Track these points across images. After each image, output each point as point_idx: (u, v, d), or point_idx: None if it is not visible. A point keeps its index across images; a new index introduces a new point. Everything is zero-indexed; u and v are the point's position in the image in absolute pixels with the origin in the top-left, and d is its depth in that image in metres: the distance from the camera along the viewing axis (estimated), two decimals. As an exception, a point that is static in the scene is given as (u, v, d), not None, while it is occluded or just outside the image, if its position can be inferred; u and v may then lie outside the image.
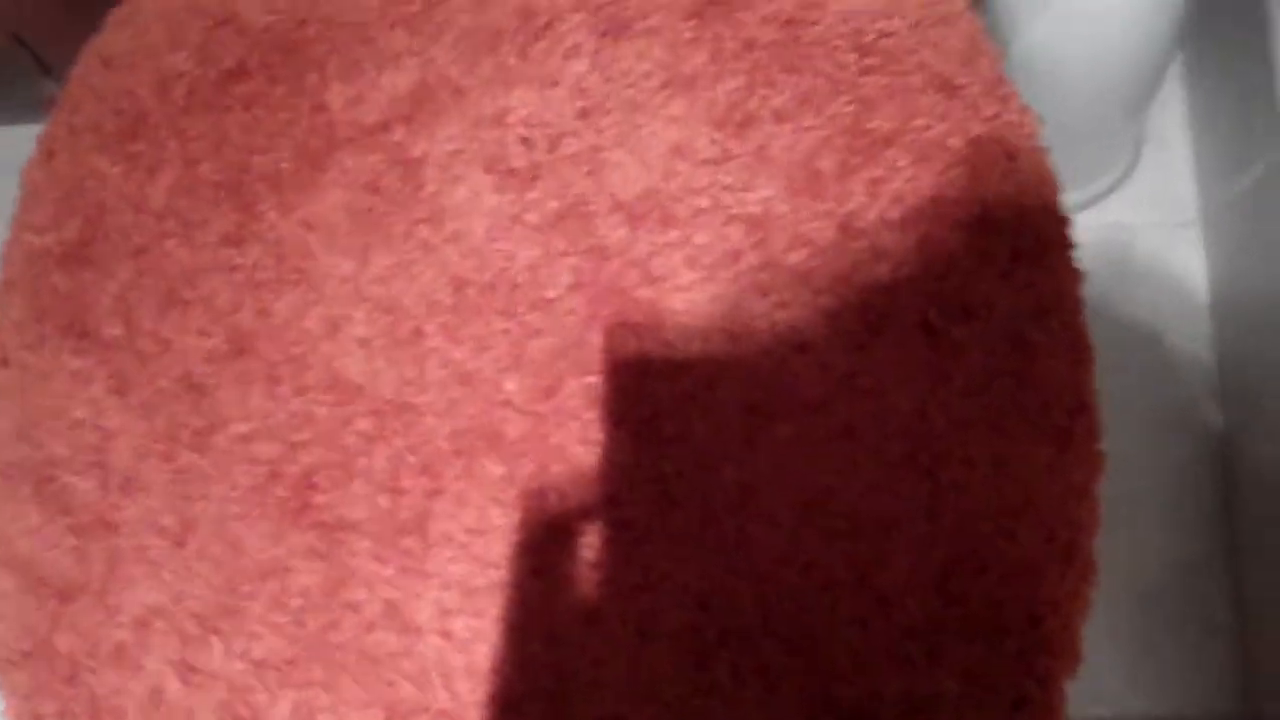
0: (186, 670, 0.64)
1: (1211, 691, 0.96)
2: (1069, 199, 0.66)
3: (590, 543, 0.63)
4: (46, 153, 0.73)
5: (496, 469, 0.64)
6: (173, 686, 0.64)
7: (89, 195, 0.71)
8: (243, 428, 0.67)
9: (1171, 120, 1.10)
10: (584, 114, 0.69)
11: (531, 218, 0.67)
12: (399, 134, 0.70)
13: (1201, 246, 1.07)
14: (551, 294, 0.66)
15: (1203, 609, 0.99)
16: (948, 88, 0.67)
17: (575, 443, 0.64)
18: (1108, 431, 0.63)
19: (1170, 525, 1.01)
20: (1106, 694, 0.97)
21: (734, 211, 0.66)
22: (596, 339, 0.65)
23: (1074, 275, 0.65)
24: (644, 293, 0.66)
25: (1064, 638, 0.60)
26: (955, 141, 0.66)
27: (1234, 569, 0.99)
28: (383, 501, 0.64)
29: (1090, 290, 0.65)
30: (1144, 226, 1.07)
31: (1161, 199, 1.08)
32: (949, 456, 0.62)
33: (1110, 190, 1.06)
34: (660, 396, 0.64)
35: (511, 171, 0.68)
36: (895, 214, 0.65)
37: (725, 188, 0.66)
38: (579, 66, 0.69)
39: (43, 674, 0.65)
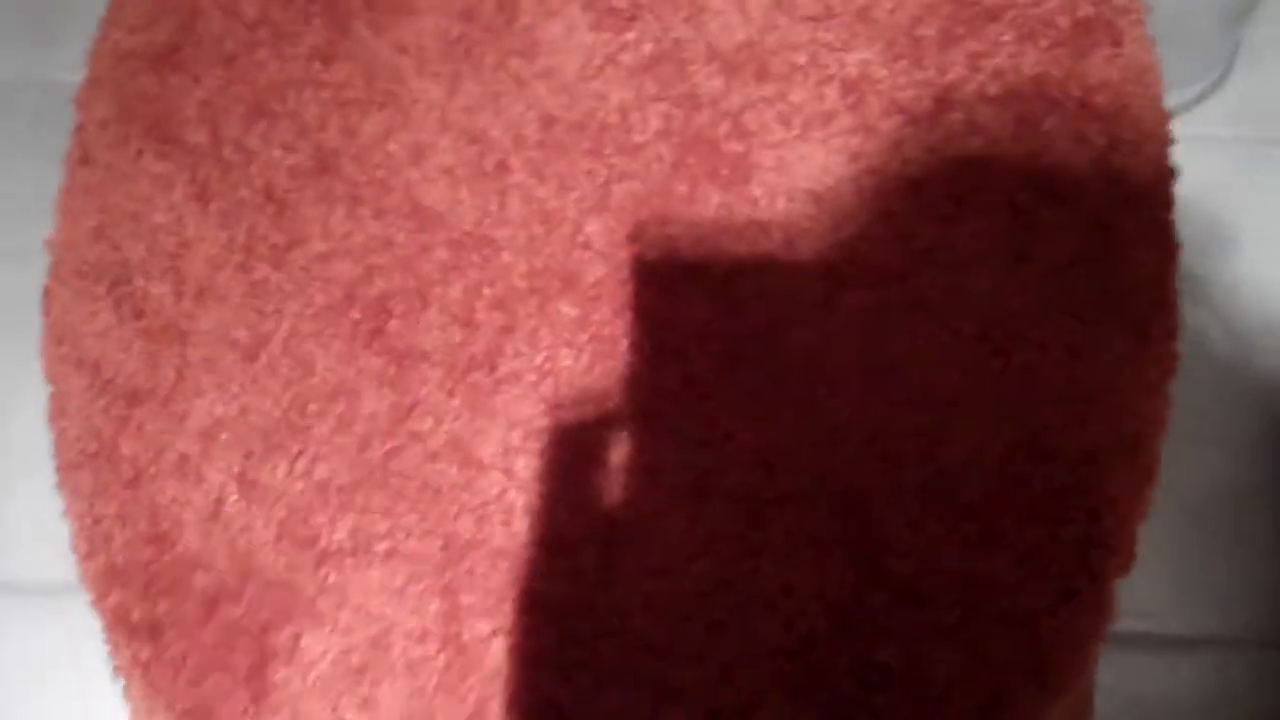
0: (248, 485, 0.64)
1: (1256, 614, 0.97)
2: (1161, 103, 0.65)
3: (656, 394, 0.63)
4: (140, -46, 0.72)
5: (570, 310, 0.64)
6: (233, 499, 0.64)
7: (182, -1, 0.71)
8: (321, 246, 0.66)
9: (1269, 33, 1.07)
10: (687, -42, 0.67)
11: (626, 59, 0.67)
12: (497, -36, 0.69)
13: (1288, 166, 1.05)
14: (640, 138, 0.66)
15: (1253, 532, 0.98)
16: (1059, -35, 0.65)
17: (650, 293, 0.64)
18: (1187, 338, 0.62)
19: (1228, 446, 1.00)
20: (1151, 609, 0.97)
21: (831, 71, 0.65)
22: (682, 189, 0.65)
23: (1168, 169, 0.64)
24: (733, 146, 0.65)
25: (1120, 535, 0.60)
26: (1062, 21, 0.65)
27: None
28: (455, 333, 0.64)
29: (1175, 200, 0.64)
30: (1231, 140, 1.05)
31: (1251, 113, 1.06)
32: (1023, 338, 0.61)
33: (1200, 99, 1.04)
34: (739, 255, 0.64)
35: (610, 10, 0.67)
36: (994, 89, 0.64)
37: (824, 45, 0.65)
38: (686, -91, 0.68)
39: (105, 476, 0.66)
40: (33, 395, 0.68)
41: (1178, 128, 0.65)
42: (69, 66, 0.73)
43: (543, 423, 0.63)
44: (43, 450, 0.67)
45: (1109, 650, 0.64)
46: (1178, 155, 0.65)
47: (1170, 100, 1.00)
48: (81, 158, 0.70)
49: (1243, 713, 0.97)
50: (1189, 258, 0.63)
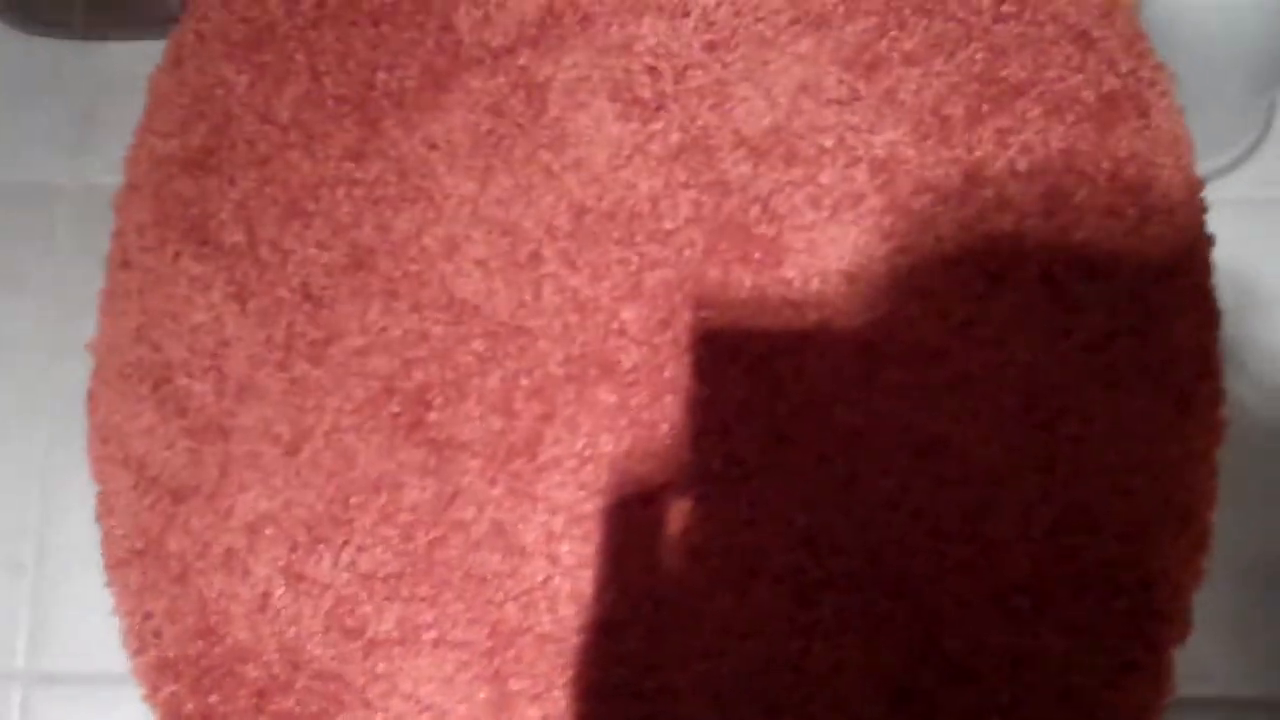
0: (294, 578, 0.65)
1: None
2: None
3: (700, 476, 0.63)
4: (174, 60, 0.73)
5: (609, 397, 0.64)
6: (280, 593, 0.65)
7: (215, 103, 0.72)
8: (359, 341, 0.67)
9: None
10: (711, 47, 0.68)
11: (654, 148, 0.67)
12: (524, 58, 0.69)
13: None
14: (670, 225, 0.66)
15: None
16: (1083, 39, 0.66)
17: (688, 376, 0.64)
18: (1229, 403, 0.62)
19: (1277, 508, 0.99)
20: (1212, 673, 0.95)
21: (859, 153, 0.65)
22: (714, 273, 0.65)
23: (1203, 238, 0.64)
24: (764, 229, 0.65)
25: (1174, 605, 0.60)
26: (1088, 95, 0.65)
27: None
28: (494, 422, 0.65)
29: (1216, 266, 0.64)
30: (1268, 203, 1.05)
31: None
32: (1066, 411, 0.61)
33: (1236, 164, 1.03)
34: (775, 334, 0.64)
35: (636, 100, 0.68)
36: (1023, 165, 0.64)
37: (851, 128, 0.66)
38: (709, -2, 0.69)
39: (153, 573, 0.66)
40: (81, 494, 0.69)
41: (1214, 192, 0.65)
42: (107, 169, 0.74)
43: (585, 508, 0.63)
44: (93, 547, 0.68)
45: (1176, 716, 0.64)
46: (1214, 221, 0.65)
47: (1205, 166, 1.00)
48: (122, 261, 0.71)
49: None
50: (1227, 323, 0.63)
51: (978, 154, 0.65)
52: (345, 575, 0.65)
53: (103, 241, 0.72)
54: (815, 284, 0.64)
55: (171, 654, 0.65)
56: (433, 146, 0.69)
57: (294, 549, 0.65)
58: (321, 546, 0.65)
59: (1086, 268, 0.63)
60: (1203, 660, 0.87)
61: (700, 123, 0.67)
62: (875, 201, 0.65)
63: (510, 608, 0.63)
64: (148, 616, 0.66)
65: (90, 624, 0.71)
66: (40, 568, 0.80)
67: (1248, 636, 0.91)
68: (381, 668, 0.63)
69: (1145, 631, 0.59)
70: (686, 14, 0.68)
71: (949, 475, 0.61)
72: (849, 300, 0.64)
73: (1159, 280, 0.62)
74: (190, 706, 0.64)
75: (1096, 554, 0.60)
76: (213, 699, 0.64)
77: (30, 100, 0.92)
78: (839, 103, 0.66)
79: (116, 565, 0.67)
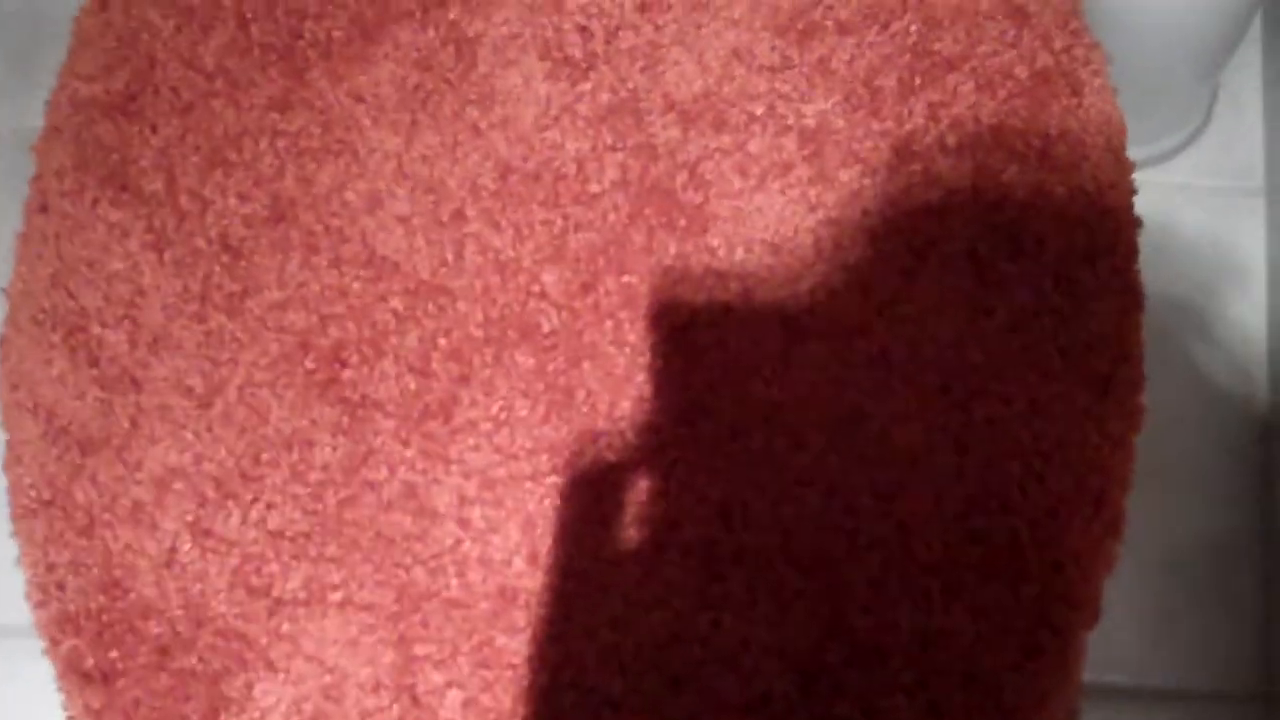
0: (202, 534, 0.64)
1: (1230, 669, 0.96)
2: (1134, 155, 0.65)
3: (613, 445, 0.62)
4: (100, 2, 0.72)
5: (527, 360, 0.63)
6: (186, 548, 0.64)
7: (140, 47, 0.70)
8: (276, 295, 0.66)
9: (1247, 84, 1.07)
10: (644, 8, 0.67)
11: (583, 109, 0.66)
12: (455, 12, 0.68)
13: (1265, 217, 1.05)
14: (596, 189, 0.65)
15: (1229, 587, 0.97)
16: (1018, 15, 0.65)
17: (608, 342, 0.63)
18: (1151, 395, 0.62)
19: (1205, 498, 0.99)
20: (1125, 662, 0.96)
21: (789, 122, 0.65)
22: (638, 238, 0.64)
23: (1131, 221, 0.63)
24: (690, 196, 0.65)
25: (1084, 590, 0.60)
26: (1021, 71, 0.64)
27: (1266, 550, 0.98)
28: (410, 383, 0.64)
29: (1146, 248, 0.63)
30: (1208, 191, 1.05)
31: (1229, 165, 1.06)
32: (984, 391, 0.61)
33: (1177, 150, 1.03)
34: (697, 304, 0.63)
35: (566, 60, 0.67)
36: (953, 140, 0.64)
37: (782, 96, 0.65)
38: (645, -41, 0.68)
39: (59, 524, 0.65)
40: (-12, 441, 0.68)
41: (1154, 177, 0.65)
42: (39, 113, 0.73)
43: (498, 473, 0.63)
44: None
45: (1087, 703, 0.64)
46: (1161, 204, 0.64)
47: (1146, 152, 1.00)
48: (39, 205, 0.69)
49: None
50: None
51: (908, 127, 0.64)
52: (253, 533, 0.64)
53: (26, 187, 0.71)
54: (739, 253, 0.63)
55: (73, 607, 0.64)
56: (359, 99, 0.68)
57: (202, 504, 0.64)
58: (230, 503, 0.64)
59: (1012, 246, 0.62)
60: (1117, 648, 0.88)
61: (630, 85, 0.66)
62: (803, 172, 0.64)
63: (418, 571, 0.62)
64: (51, 568, 0.65)
65: None
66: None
67: (1163, 626, 0.91)
68: (286, 628, 0.62)
69: (1053, 615, 0.59)
70: (620, -26, 0.68)
71: (865, 453, 0.61)
72: (772, 271, 0.63)
73: (1084, 262, 0.62)
74: (90, 661, 0.63)
75: (1008, 536, 0.59)
76: (113, 654, 0.63)
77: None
78: (771, 69, 0.66)
79: (22, 515, 0.66)
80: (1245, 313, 1.01)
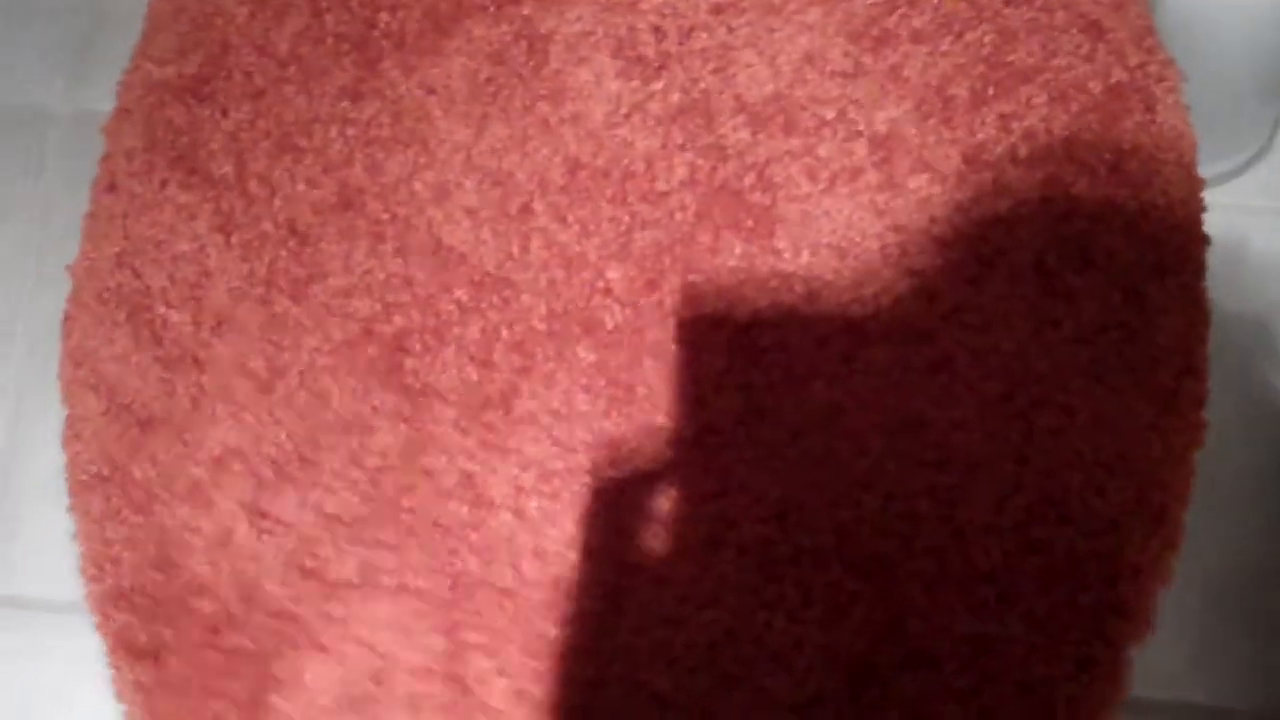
0: (258, 515, 0.64)
1: (1271, 693, 0.95)
2: (1201, 173, 0.64)
3: (674, 443, 0.62)
4: (176, -14, 0.72)
5: (588, 355, 0.63)
6: (242, 529, 0.64)
7: (214, 32, 0.71)
8: (342, 282, 0.66)
9: (1311, 105, 1.07)
10: (717, 9, 0.67)
11: (653, 108, 0.66)
12: (529, 8, 0.69)
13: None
14: (664, 187, 0.65)
15: (1273, 609, 0.97)
16: (1094, 30, 0.65)
17: (670, 340, 0.63)
18: (1212, 413, 0.61)
19: (1256, 522, 0.98)
20: (1167, 679, 0.95)
21: (859, 127, 0.65)
22: (704, 238, 0.64)
23: (1200, 237, 0.63)
24: (758, 198, 0.65)
25: (1139, 603, 0.59)
26: (1095, 85, 0.64)
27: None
28: (471, 373, 0.64)
29: (1212, 266, 0.63)
30: (1270, 212, 1.04)
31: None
32: (1047, 402, 0.61)
33: (1240, 171, 1.03)
34: (761, 305, 0.63)
35: (639, 59, 0.67)
36: (1024, 151, 0.64)
37: (853, 102, 0.65)
38: (719, -39, 0.68)
39: (116, 500, 0.65)
40: (50, 417, 0.68)
41: (1215, 198, 0.65)
42: (103, 97, 0.74)
43: (556, 465, 0.63)
44: (57, 471, 0.67)
45: (1130, 716, 0.63)
46: (1226, 224, 0.64)
47: (1209, 171, 0.99)
48: (108, 185, 0.70)
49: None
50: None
51: (979, 137, 0.64)
52: (310, 516, 0.64)
53: (93, 169, 0.71)
54: (805, 256, 0.63)
55: (128, 583, 0.64)
56: (430, 91, 0.68)
57: (260, 486, 0.64)
58: (288, 485, 0.64)
59: (1080, 259, 0.62)
60: (1164, 663, 0.87)
61: (702, 85, 0.66)
62: (872, 177, 0.64)
63: (472, 560, 0.62)
64: (107, 544, 0.65)
65: (50, 550, 0.70)
66: (3, 490, 0.79)
67: (1210, 644, 0.90)
68: (338, 611, 0.62)
69: (1108, 628, 0.59)
70: (695, -24, 0.68)
71: (924, 458, 0.61)
72: (837, 275, 0.63)
73: (1152, 277, 0.62)
74: (143, 637, 0.63)
75: (1066, 547, 0.59)
76: (165, 631, 0.63)
77: (28, 23, 0.91)
78: (843, 75, 0.66)
79: (79, 491, 0.66)
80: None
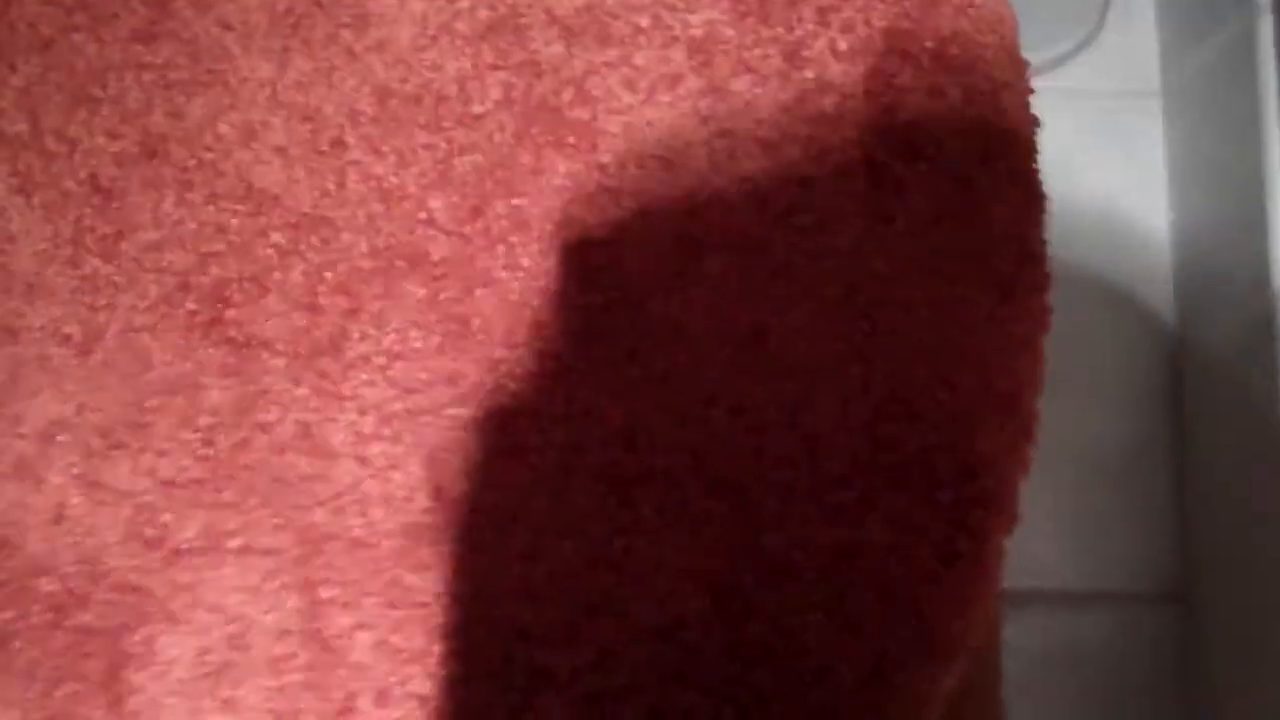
0: (90, 486, 0.62)
1: (1145, 572, 0.97)
2: (1029, 59, 0.64)
3: (512, 372, 0.61)
4: (-51, -64, 0.68)
5: (418, 290, 0.62)
6: (76, 502, 0.61)
7: (-7, -17, 0.67)
8: (153, 235, 0.63)
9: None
10: (522, -80, 0.65)
11: (461, 27, 0.64)
12: (326, -69, 0.66)
13: (1161, 118, 1.05)
14: (479, 109, 0.63)
15: (1144, 491, 0.98)
16: (906, -86, 0.64)
17: (500, 267, 0.62)
18: (1058, 303, 0.61)
19: (1117, 404, 1.00)
20: (1041, 568, 0.96)
21: (676, 33, 0.63)
22: (526, 159, 0.62)
23: (1028, 119, 0.62)
24: (578, 113, 0.63)
25: (1000, 493, 0.59)
26: (912, -29, 0.63)
27: (1178, 453, 0.99)
28: (298, 319, 0.62)
29: (1045, 154, 0.63)
30: (1104, 94, 1.05)
31: (1124, 67, 1.06)
32: (887, 299, 0.60)
33: (1071, 55, 1.03)
34: (590, 223, 0.62)
35: (442, -24, 0.65)
36: (844, 44, 0.62)
37: (667, 6, 0.64)
38: None
39: (-63, 485, 0.63)
40: None
41: (1048, 83, 0.64)
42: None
43: (395, 408, 0.61)
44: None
45: (1009, 610, 0.63)
46: (1058, 110, 0.64)
47: (1040, 57, 0.99)
48: (-105, 154, 0.66)
49: (1146, 666, 0.97)
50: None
51: (798, 33, 0.63)
52: (145, 482, 0.61)
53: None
54: (632, 169, 0.62)
55: (-39, 569, 0.62)
56: (227, 27, 0.65)
57: (89, 456, 0.62)
58: (118, 453, 0.62)
59: (909, 151, 0.61)
60: (1032, 554, 0.88)
61: (509, 0, 0.64)
62: (693, 83, 0.63)
63: (319, 513, 0.60)
64: (-67, 530, 0.62)
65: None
66: None
67: (1077, 530, 0.92)
68: (185, 578, 0.60)
69: (968, 521, 0.59)
70: (496, -115, 0.65)
71: (768, 368, 0.60)
72: (667, 187, 0.62)
73: (982, 163, 0.61)
74: (-13, 635, 0.61)
75: (918, 443, 0.59)
76: (7, 614, 0.61)
77: None
78: (655, -20, 0.64)
79: (-103, 480, 0.63)
80: (1145, 215, 1.01)
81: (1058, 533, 0.96)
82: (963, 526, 0.59)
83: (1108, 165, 1.01)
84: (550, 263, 0.61)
